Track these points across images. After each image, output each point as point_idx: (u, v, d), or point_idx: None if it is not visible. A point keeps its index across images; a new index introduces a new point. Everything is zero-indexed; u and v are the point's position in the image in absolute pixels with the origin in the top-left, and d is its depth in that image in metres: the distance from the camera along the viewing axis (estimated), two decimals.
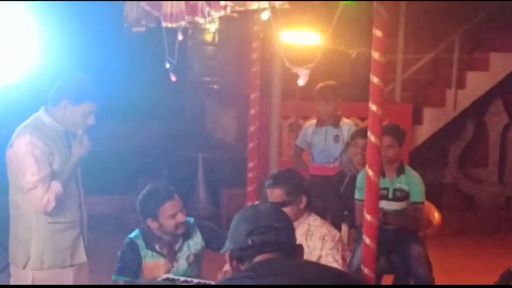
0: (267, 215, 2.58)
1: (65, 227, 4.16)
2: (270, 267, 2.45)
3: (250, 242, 2.51)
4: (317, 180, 6.49)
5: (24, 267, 4.10)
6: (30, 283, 4.09)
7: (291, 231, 2.60)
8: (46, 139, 4.06)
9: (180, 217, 4.33)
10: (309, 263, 2.73)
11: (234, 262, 2.55)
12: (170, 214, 4.30)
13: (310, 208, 4.39)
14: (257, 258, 2.51)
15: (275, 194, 4.26)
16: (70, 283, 4.18)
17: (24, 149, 4.00)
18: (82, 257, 4.27)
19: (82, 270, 4.30)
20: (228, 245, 2.62)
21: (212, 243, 4.54)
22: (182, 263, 4.41)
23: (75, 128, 4.18)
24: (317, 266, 2.60)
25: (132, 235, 4.45)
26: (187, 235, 4.45)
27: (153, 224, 4.34)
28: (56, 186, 4.03)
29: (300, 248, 2.60)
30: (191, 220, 4.55)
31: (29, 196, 4.00)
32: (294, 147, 7.11)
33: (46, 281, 4.10)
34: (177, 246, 4.42)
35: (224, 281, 2.53)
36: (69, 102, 4.10)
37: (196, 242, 4.48)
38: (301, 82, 5.60)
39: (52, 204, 4.00)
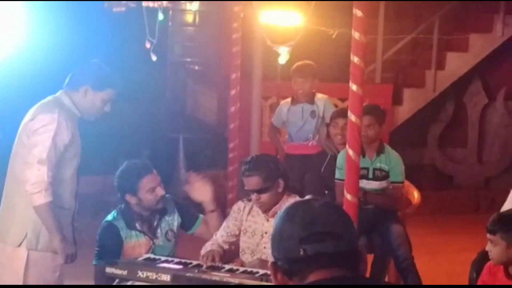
0: (324, 216, 2.01)
1: (62, 213, 4.05)
2: None
3: (301, 253, 1.97)
4: (293, 160, 6.47)
5: (19, 245, 3.99)
6: (23, 263, 3.99)
7: (354, 236, 2.05)
8: (70, 122, 4.00)
9: (160, 191, 4.35)
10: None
11: (279, 275, 2.01)
12: (149, 188, 4.31)
13: (289, 190, 4.41)
14: (312, 276, 1.97)
15: (252, 182, 4.27)
16: (58, 269, 4.10)
17: (47, 124, 3.92)
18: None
19: None
20: (272, 252, 2.08)
21: (184, 221, 4.56)
22: (162, 240, 4.43)
23: (91, 114, 4.14)
24: None
25: (110, 218, 4.44)
26: (164, 211, 4.47)
27: (132, 200, 4.34)
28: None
29: (362, 256, 2.22)
30: (168, 196, 4.56)
31: (29, 170, 3.88)
32: (270, 125, 7.11)
33: (38, 263, 4.02)
34: (155, 222, 4.44)
35: None
36: (91, 88, 4.07)
37: (173, 218, 4.50)
38: (282, 60, 5.64)
39: (46, 195, 3.87)
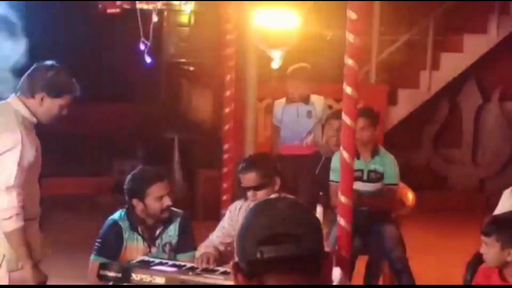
0: (286, 218, 1.89)
1: (32, 224, 3.94)
2: None
3: (258, 255, 1.86)
4: (287, 161, 6.45)
5: None
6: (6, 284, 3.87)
7: (318, 239, 1.92)
8: (31, 134, 3.88)
9: (167, 201, 4.28)
10: None
11: (240, 276, 1.92)
12: (157, 196, 4.26)
13: (286, 190, 4.41)
14: (270, 280, 1.87)
15: (248, 178, 4.28)
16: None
17: (11, 148, 3.77)
18: (47, 252, 4.11)
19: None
20: (235, 251, 2.00)
21: (178, 244, 4.44)
22: (158, 250, 4.39)
23: (47, 120, 3.99)
24: None
25: (116, 216, 4.39)
26: (169, 222, 4.40)
27: (138, 205, 4.29)
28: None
29: (328, 258, 1.97)
30: (180, 212, 4.48)
31: None
32: (272, 126, 7.14)
33: (23, 277, 3.87)
34: (157, 232, 4.39)
35: None
36: (47, 96, 3.91)
37: (173, 234, 4.42)
38: (275, 64, 5.66)
39: (17, 220, 3.74)
